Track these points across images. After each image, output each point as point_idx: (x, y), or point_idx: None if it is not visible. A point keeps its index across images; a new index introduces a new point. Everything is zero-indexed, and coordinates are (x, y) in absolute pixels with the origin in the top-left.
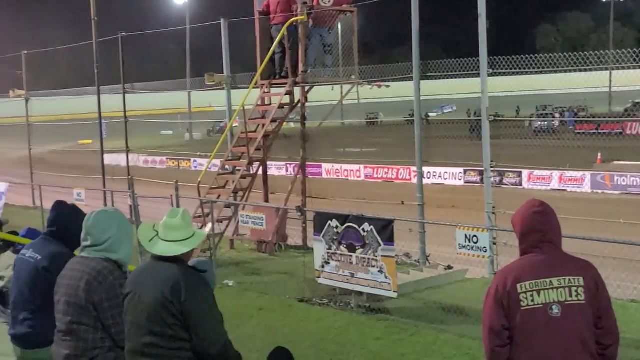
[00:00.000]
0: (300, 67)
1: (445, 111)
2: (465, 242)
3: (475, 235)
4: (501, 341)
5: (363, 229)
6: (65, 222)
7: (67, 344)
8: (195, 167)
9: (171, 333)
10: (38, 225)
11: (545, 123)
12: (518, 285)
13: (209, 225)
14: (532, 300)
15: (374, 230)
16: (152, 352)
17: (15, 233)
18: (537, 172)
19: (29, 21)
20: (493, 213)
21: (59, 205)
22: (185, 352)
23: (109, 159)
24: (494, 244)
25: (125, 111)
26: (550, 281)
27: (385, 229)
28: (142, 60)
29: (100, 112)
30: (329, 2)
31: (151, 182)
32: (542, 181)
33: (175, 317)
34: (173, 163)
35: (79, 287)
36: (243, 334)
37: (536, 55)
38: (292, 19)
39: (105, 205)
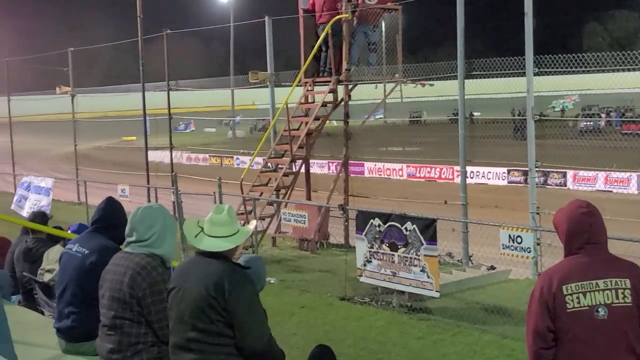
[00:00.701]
0: (344, 65)
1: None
2: (509, 242)
3: (519, 236)
4: (545, 343)
5: (405, 228)
6: (114, 218)
7: (111, 338)
8: (238, 164)
9: (214, 329)
10: (82, 220)
11: (591, 123)
12: (564, 287)
13: (254, 222)
14: (578, 302)
15: (416, 229)
16: (195, 348)
17: (60, 228)
18: (582, 173)
19: (74, 19)
20: (537, 213)
21: (110, 202)
22: (228, 348)
23: (152, 155)
24: (538, 244)
25: (169, 108)
26: (597, 283)
27: (428, 228)
28: (186, 57)
29: (144, 109)
30: (374, 0)
31: (194, 179)
32: (588, 182)
33: (218, 313)
34: (216, 160)
35: (123, 282)
36: (284, 331)
37: (583, 54)
38: (337, 17)
39: (149, 201)
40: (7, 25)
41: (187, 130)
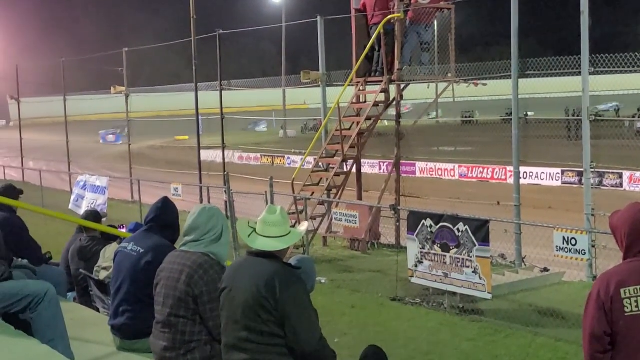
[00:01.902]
0: (396, 65)
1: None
2: (563, 244)
3: (573, 238)
4: (602, 347)
5: (458, 229)
6: (169, 218)
7: (165, 335)
8: (289, 164)
9: (266, 329)
10: (136, 218)
11: None
12: (622, 291)
13: (305, 223)
14: (637, 307)
15: (468, 230)
16: (247, 347)
17: (114, 227)
18: (638, 174)
19: (128, 20)
20: (592, 215)
21: (165, 202)
22: (280, 349)
23: (204, 154)
24: (593, 246)
25: (222, 108)
26: None
27: (481, 229)
28: (239, 57)
29: (197, 109)
30: None
31: (246, 178)
32: None
33: (269, 313)
34: (267, 160)
35: (180, 279)
36: (335, 331)
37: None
38: (390, 17)
39: (201, 200)
40: (63, 27)
41: (260, 129)
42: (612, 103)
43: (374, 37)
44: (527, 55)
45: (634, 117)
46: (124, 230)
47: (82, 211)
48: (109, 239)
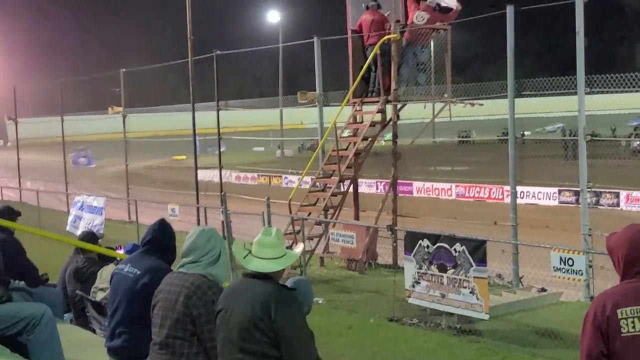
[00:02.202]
0: (393, 85)
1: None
2: (560, 264)
3: (570, 258)
4: None
5: (455, 249)
6: (166, 240)
7: (163, 357)
8: (286, 183)
9: (262, 350)
10: (133, 239)
11: None
12: (618, 311)
13: (301, 245)
14: (634, 327)
15: (465, 250)
16: None
17: (111, 248)
18: (635, 193)
19: (126, 40)
20: (589, 235)
21: (162, 224)
22: None
23: (202, 174)
24: (590, 267)
25: (219, 128)
26: None
27: (478, 249)
28: (236, 77)
29: (194, 129)
30: (423, 20)
31: (243, 198)
32: None
33: (265, 334)
34: (264, 179)
35: (178, 301)
36: (332, 352)
37: (636, 73)
38: (386, 37)
39: (198, 220)
40: (60, 47)
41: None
42: (559, 124)
43: (370, 57)
44: (523, 74)
45: (629, 136)
46: (121, 251)
47: (79, 232)
48: (105, 260)
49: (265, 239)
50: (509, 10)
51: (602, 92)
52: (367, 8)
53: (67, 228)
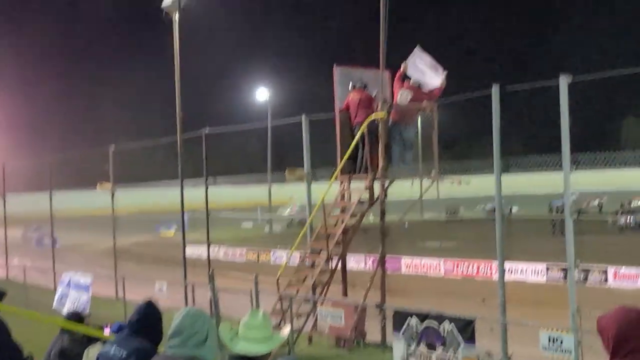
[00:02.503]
0: (380, 163)
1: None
2: (549, 343)
3: (559, 337)
4: None
5: (443, 328)
6: (153, 321)
7: None
8: (275, 259)
9: None
10: (120, 315)
11: (631, 219)
12: None
13: (288, 327)
14: None
15: (454, 329)
16: None
17: (99, 326)
18: (623, 270)
19: (116, 116)
20: (578, 313)
21: (149, 304)
22: None
23: (190, 250)
24: (579, 346)
25: (207, 205)
26: None
27: (466, 328)
28: (225, 153)
29: (182, 207)
30: (407, 99)
31: (231, 274)
32: (630, 279)
33: None
34: (253, 255)
35: None
36: None
37: (620, 151)
38: (373, 116)
39: (186, 297)
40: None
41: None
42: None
43: (357, 136)
44: (509, 150)
45: (616, 213)
46: (107, 330)
47: (65, 309)
48: (91, 340)
49: (252, 321)
50: (495, 90)
51: (589, 169)
52: (354, 88)
53: (54, 306)
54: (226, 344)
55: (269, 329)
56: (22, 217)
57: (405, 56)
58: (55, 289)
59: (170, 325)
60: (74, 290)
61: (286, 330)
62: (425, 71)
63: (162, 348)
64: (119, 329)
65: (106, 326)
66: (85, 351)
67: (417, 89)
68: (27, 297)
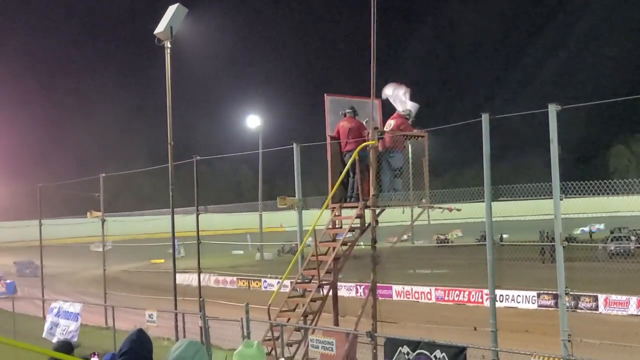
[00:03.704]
0: (371, 191)
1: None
2: None
3: None
4: None
5: (435, 356)
6: (143, 351)
7: None
8: (266, 287)
9: None
10: (110, 344)
11: (621, 246)
12: None
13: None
14: None
15: (446, 357)
16: None
17: (86, 357)
18: (614, 297)
19: (108, 144)
20: (569, 341)
21: (140, 334)
22: None
23: (180, 278)
24: None
25: (198, 233)
26: None
27: (458, 356)
28: (216, 180)
29: (173, 235)
30: (390, 127)
31: (222, 303)
32: (620, 306)
33: None
34: (243, 283)
35: None
36: None
37: (609, 180)
38: (363, 144)
39: (176, 326)
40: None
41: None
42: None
43: (348, 164)
44: (499, 179)
45: (606, 240)
46: (95, 359)
47: (55, 339)
48: None
49: (246, 351)
50: (485, 119)
51: (578, 197)
52: (345, 115)
53: (44, 335)
54: None
55: (262, 358)
56: (10, 246)
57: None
58: (44, 317)
59: (164, 354)
60: (63, 319)
61: None
62: (398, 97)
63: None
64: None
65: (93, 355)
66: None
67: (405, 119)
68: (15, 326)
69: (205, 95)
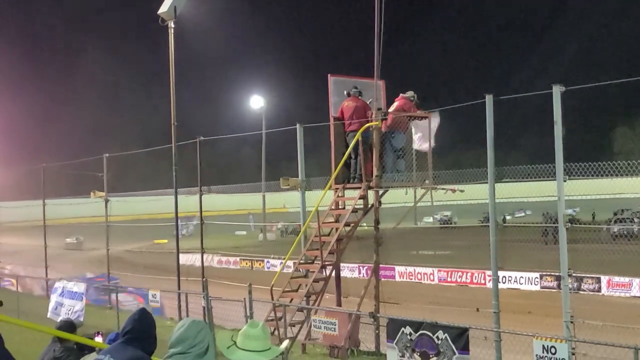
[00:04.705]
0: (374, 172)
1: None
2: (543, 352)
3: (553, 346)
4: None
5: (437, 337)
6: (147, 330)
7: None
8: (268, 267)
9: None
10: (113, 324)
11: (625, 228)
12: None
13: (286, 342)
14: None
15: (448, 338)
16: None
17: (89, 336)
18: (617, 279)
19: (111, 123)
20: (572, 322)
21: (143, 313)
22: None
23: (183, 258)
24: (573, 354)
25: (201, 213)
26: None
27: (460, 337)
28: (219, 162)
29: (177, 215)
30: (393, 107)
31: (225, 283)
32: (622, 288)
33: None
34: (246, 264)
35: None
36: None
37: (613, 162)
38: (367, 125)
39: (179, 306)
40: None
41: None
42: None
43: (351, 144)
44: (503, 160)
45: (609, 222)
46: (99, 338)
47: (60, 319)
48: (83, 349)
49: (251, 331)
50: (488, 100)
51: (581, 179)
52: (349, 95)
53: (49, 315)
54: (223, 352)
55: (268, 340)
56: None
57: (397, 66)
58: (48, 297)
59: (167, 334)
60: (67, 299)
61: (284, 344)
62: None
63: (155, 358)
64: (114, 339)
65: (97, 334)
66: None
67: (410, 101)
68: (19, 306)
69: (210, 75)
